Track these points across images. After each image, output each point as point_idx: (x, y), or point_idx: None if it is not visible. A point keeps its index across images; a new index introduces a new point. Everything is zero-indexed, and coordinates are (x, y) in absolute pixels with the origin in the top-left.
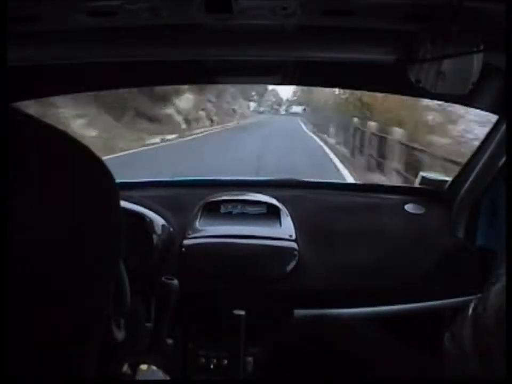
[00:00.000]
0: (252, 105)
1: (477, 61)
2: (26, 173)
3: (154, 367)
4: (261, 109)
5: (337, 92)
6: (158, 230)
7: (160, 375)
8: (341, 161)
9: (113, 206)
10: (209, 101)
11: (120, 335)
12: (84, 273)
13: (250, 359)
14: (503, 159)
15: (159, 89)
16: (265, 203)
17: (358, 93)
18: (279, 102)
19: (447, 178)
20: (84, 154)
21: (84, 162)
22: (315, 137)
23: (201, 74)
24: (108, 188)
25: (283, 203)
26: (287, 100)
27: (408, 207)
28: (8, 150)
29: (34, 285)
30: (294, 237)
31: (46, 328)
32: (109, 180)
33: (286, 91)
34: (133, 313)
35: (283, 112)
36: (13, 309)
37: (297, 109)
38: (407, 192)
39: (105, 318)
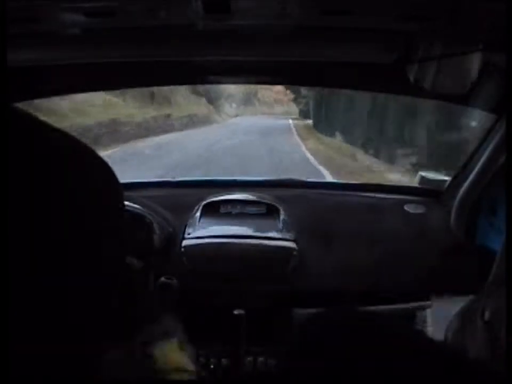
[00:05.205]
0: None
1: (475, 60)
2: (28, 173)
3: None
4: None
5: None
6: (158, 230)
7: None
8: None
9: (116, 206)
10: None
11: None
12: (85, 273)
13: (250, 359)
14: (502, 159)
15: None
16: (265, 203)
17: None
18: None
19: (446, 178)
20: (87, 155)
21: (87, 163)
22: None
23: (200, 75)
24: (111, 188)
25: (283, 203)
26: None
27: (408, 207)
28: (11, 150)
29: (34, 285)
30: (293, 237)
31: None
32: (112, 181)
33: None
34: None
35: None
36: (14, 308)
37: None
38: (407, 191)
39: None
